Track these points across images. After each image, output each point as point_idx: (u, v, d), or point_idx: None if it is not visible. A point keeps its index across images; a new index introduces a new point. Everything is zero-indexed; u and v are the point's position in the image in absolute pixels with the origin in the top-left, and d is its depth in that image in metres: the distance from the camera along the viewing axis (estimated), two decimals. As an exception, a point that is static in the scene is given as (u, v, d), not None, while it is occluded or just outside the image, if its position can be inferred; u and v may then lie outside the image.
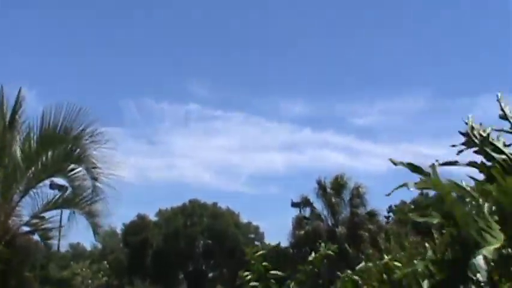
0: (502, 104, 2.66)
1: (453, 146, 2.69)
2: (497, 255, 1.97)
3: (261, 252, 6.64)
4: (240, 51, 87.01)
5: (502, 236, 1.98)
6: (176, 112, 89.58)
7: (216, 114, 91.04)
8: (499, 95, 2.66)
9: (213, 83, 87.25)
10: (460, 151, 2.67)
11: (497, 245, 1.94)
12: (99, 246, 56.59)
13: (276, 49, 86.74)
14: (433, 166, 2.34)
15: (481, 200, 2.13)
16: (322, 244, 7.11)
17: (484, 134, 2.62)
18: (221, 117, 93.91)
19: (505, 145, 2.60)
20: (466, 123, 2.68)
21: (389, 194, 2.44)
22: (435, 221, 2.21)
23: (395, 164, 2.54)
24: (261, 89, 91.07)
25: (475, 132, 2.64)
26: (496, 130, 2.67)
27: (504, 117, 2.65)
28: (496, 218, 1.99)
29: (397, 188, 2.38)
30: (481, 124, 2.69)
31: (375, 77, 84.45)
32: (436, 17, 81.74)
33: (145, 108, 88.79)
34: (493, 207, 2.11)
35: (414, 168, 2.47)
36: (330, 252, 6.87)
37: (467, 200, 2.22)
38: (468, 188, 2.25)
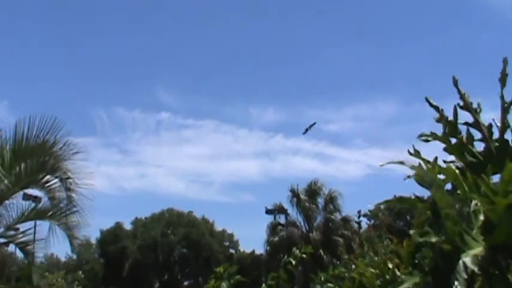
0: (462, 91, 2.60)
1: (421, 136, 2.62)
2: (478, 263, 1.89)
3: (234, 268, 6.54)
4: (209, 59, 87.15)
5: (483, 242, 1.91)
6: (147, 121, 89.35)
7: (187, 123, 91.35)
8: (456, 78, 2.60)
9: (183, 92, 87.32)
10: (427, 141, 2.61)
11: (477, 251, 1.88)
12: (74, 256, 55.96)
13: (245, 57, 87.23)
14: (434, 160, 2.30)
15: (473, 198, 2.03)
16: (296, 250, 7.07)
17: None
18: (192, 125, 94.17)
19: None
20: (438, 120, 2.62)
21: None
22: (434, 240, 2.09)
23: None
24: (231, 97, 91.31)
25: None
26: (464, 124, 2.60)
27: (465, 107, 2.59)
28: (482, 219, 1.92)
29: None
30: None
31: (345, 83, 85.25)
32: (403, 20, 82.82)
33: (117, 118, 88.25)
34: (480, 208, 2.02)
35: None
36: (304, 256, 6.85)
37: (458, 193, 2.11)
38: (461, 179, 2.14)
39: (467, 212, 1.94)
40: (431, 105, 2.57)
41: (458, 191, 2.06)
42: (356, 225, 33.85)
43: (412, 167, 2.22)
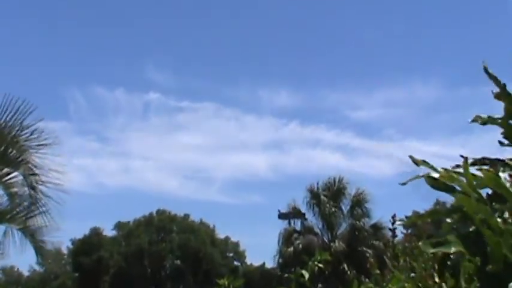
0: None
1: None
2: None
3: (240, 281, 6.40)
4: (210, 29, 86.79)
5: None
6: (132, 103, 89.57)
7: (182, 106, 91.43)
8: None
9: (176, 68, 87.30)
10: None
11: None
12: (40, 270, 55.93)
13: (253, 29, 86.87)
14: (465, 161, 2.23)
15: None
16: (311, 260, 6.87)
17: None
18: (187, 108, 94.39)
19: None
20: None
21: (404, 183, 2.37)
22: (452, 250, 2.10)
23: (416, 163, 2.46)
24: (236, 75, 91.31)
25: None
26: None
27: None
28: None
29: (415, 178, 2.30)
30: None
31: (376, 62, 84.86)
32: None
33: (95, 99, 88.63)
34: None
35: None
36: (320, 266, 6.65)
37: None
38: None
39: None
40: (490, 76, 2.44)
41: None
42: (389, 234, 33.70)
43: (434, 169, 2.20)
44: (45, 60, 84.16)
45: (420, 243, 2.14)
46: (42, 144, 14.10)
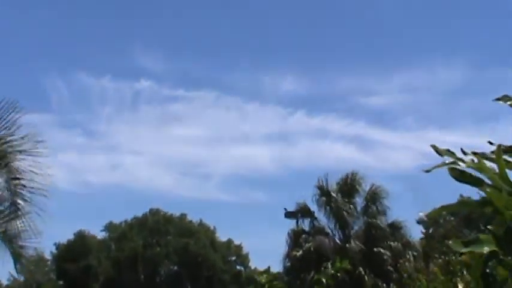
0: None
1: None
2: None
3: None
4: (205, 8, 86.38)
5: None
6: (121, 92, 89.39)
7: (176, 94, 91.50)
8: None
9: (170, 53, 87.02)
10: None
11: None
12: (20, 278, 55.91)
13: (254, 6, 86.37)
14: (498, 147, 2.17)
15: None
16: (328, 265, 6.90)
17: None
18: (183, 97, 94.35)
19: None
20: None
21: (429, 171, 2.33)
22: (485, 250, 2.05)
23: (439, 153, 2.38)
24: (236, 60, 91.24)
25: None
26: None
27: None
28: None
29: (441, 166, 2.24)
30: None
31: (392, 42, 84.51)
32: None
33: (79, 87, 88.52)
34: None
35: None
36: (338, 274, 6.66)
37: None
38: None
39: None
40: None
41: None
42: (408, 233, 33.67)
43: (468, 164, 2.14)
44: (21, 47, 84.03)
45: (450, 242, 2.10)
46: (23, 147, 14.09)
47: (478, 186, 2.33)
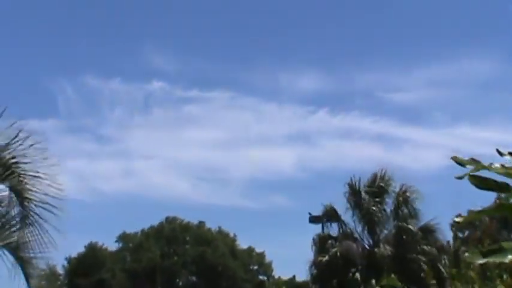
0: None
1: None
2: None
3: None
4: (220, 4, 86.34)
5: None
6: (132, 94, 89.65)
7: (190, 96, 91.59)
8: None
9: (182, 52, 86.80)
10: None
11: None
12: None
13: (270, 2, 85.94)
14: None
15: None
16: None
17: None
18: (197, 99, 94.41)
19: None
20: None
21: (461, 177, 2.30)
22: (508, 259, 2.02)
23: (461, 164, 2.35)
24: (252, 58, 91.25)
25: None
26: None
27: None
28: None
29: (474, 170, 2.21)
30: None
31: (417, 34, 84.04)
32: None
33: (87, 91, 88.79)
34: None
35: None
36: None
37: None
38: None
39: None
40: None
41: None
42: (442, 237, 33.49)
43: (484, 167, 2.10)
44: (27, 50, 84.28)
45: (466, 254, 2.06)
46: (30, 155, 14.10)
47: (505, 192, 2.28)
